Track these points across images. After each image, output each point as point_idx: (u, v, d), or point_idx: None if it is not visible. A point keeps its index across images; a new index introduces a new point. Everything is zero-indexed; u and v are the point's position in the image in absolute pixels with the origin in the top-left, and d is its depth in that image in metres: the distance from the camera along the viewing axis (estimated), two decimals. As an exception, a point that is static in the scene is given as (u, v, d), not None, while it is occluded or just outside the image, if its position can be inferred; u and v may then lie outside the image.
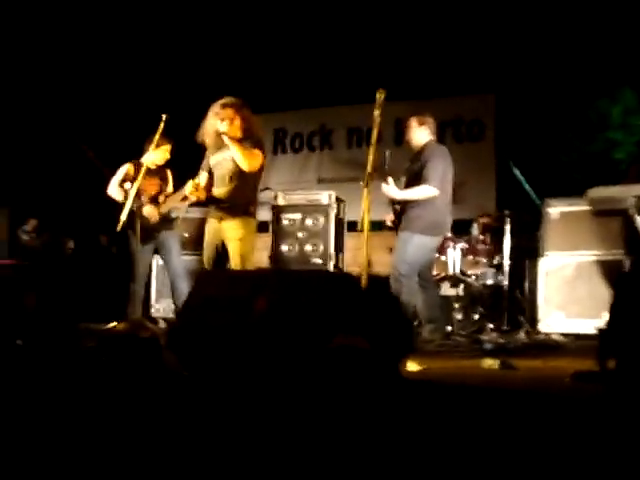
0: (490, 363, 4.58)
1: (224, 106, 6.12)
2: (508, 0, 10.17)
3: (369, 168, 5.08)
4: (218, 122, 6.06)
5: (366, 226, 4.88)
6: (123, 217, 6.38)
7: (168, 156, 7.24)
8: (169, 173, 7.37)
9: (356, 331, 2.99)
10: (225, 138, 5.96)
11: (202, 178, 6.28)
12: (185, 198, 6.98)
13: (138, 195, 6.83)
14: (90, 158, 6.84)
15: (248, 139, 6.11)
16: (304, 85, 11.63)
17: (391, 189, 6.44)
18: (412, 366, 4.34)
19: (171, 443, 2.45)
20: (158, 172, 7.26)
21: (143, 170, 6.61)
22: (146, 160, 6.80)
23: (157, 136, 6.59)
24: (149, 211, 6.98)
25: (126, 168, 7.09)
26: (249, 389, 3.09)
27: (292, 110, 12.42)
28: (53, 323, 4.61)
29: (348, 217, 8.91)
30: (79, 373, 3.68)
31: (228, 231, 6.11)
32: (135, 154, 7.03)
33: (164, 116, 6.50)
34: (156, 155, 7.09)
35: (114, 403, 3.06)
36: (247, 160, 5.99)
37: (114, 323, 3.80)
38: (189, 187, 6.14)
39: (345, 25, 10.84)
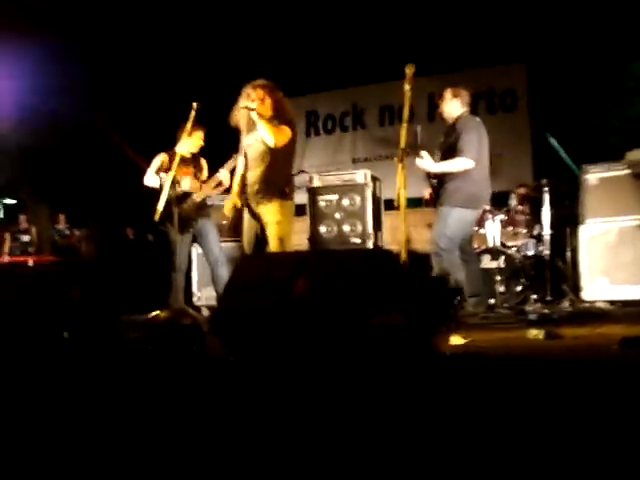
0: (535, 333, 4.54)
1: (255, 87, 6.11)
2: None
3: (402, 144, 5.04)
4: (249, 102, 6.05)
5: (403, 202, 4.84)
6: (160, 207, 6.40)
7: (202, 143, 7.25)
8: (203, 161, 7.38)
9: (393, 308, 2.97)
10: (253, 114, 5.93)
11: (239, 162, 6.29)
12: (219, 184, 7.02)
13: (173, 184, 6.84)
14: (124, 150, 6.87)
15: (277, 118, 6.09)
16: (334, 66, 11.60)
17: (426, 162, 6.40)
18: (456, 339, 4.32)
19: (220, 429, 2.45)
20: (193, 160, 7.27)
21: (177, 159, 6.61)
22: (180, 149, 6.79)
23: (189, 124, 6.57)
24: (191, 184, 7.01)
25: (160, 158, 7.09)
26: (293, 371, 3.08)
27: (323, 92, 12.39)
28: (97, 316, 4.65)
29: (385, 195, 8.88)
30: (125, 364, 3.71)
31: (265, 215, 6.10)
32: (169, 144, 7.02)
33: (195, 104, 6.47)
34: (189, 143, 7.10)
35: (161, 391, 3.08)
36: (274, 135, 5.94)
37: (156, 312, 3.81)
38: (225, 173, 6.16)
39: (371, 4, 10.75)
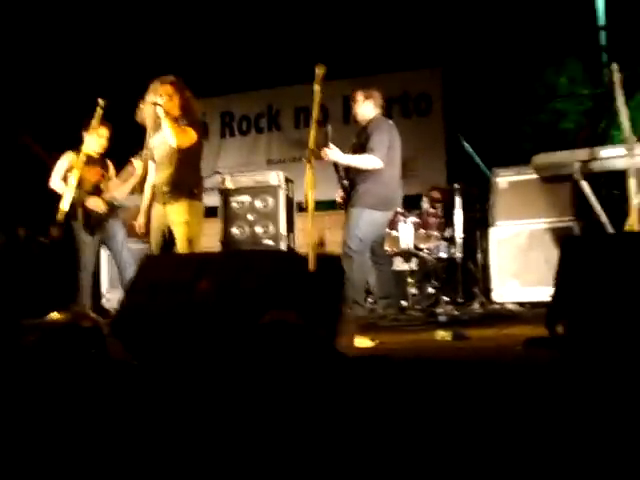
0: (443, 334, 4.54)
1: (164, 82, 5.95)
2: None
3: (311, 144, 4.98)
4: (157, 98, 5.90)
5: (311, 203, 4.78)
6: (64, 207, 6.21)
7: (105, 142, 7.08)
8: (109, 161, 7.21)
9: (292, 307, 2.91)
10: (159, 111, 5.77)
11: (149, 169, 6.15)
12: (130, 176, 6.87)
13: (80, 184, 6.69)
14: (32, 147, 6.66)
15: (184, 118, 5.96)
16: (250, 67, 11.49)
17: (334, 153, 6.35)
18: (363, 342, 4.30)
19: (121, 438, 2.36)
20: (100, 160, 7.11)
21: (81, 158, 6.40)
22: (86, 148, 6.60)
23: (96, 122, 6.37)
24: (95, 203, 6.84)
25: (68, 158, 6.88)
26: (194, 375, 3.00)
27: (238, 93, 12.27)
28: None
29: (298, 197, 8.85)
30: (19, 369, 3.57)
31: (173, 215, 5.95)
32: (73, 142, 6.83)
33: (101, 101, 6.28)
34: (96, 142, 6.95)
35: (58, 397, 2.96)
36: (176, 136, 5.77)
37: (54, 314, 3.68)
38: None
39: (288, 3, 10.71)
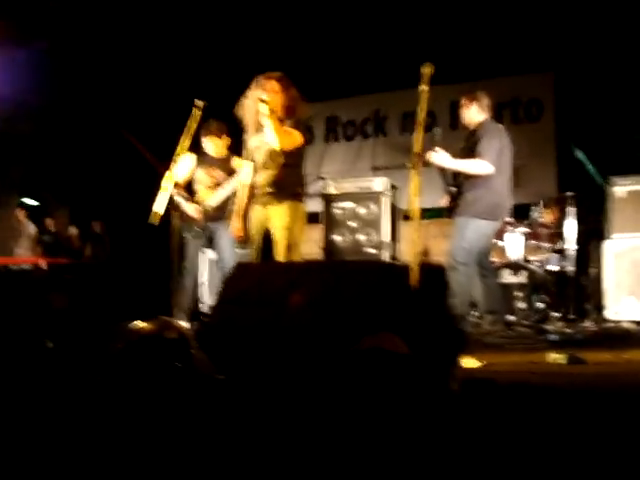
0: (556, 357, 4.20)
1: (270, 78, 5.70)
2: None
3: (416, 148, 4.72)
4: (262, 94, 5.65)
5: (415, 210, 4.51)
6: (158, 208, 5.99)
7: (223, 142, 6.86)
8: (237, 161, 6.88)
9: (397, 330, 2.61)
10: (263, 107, 5.49)
11: (245, 171, 5.94)
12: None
13: (191, 187, 6.55)
14: (134, 144, 6.52)
15: (289, 119, 5.72)
16: (356, 71, 11.31)
17: (441, 156, 6.09)
18: (470, 362, 4.00)
19: (205, 452, 2.16)
20: (221, 162, 6.88)
21: (176, 162, 6.15)
22: (182, 150, 6.33)
23: (193, 124, 6.12)
24: (191, 209, 6.68)
25: (189, 161, 6.68)
26: (283, 393, 2.77)
27: (344, 97, 12.09)
28: (84, 324, 4.36)
29: (402, 205, 8.58)
30: (105, 378, 3.41)
31: (274, 218, 5.71)
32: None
33: (199, 102, 6.05)
34: (209, 143, 6.79)
35: (140, 411, 2.78)
36: (280, 137, 5.55)
37: (139, 322, 3.49)
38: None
39: (396, 7, 10.46)
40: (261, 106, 5.50)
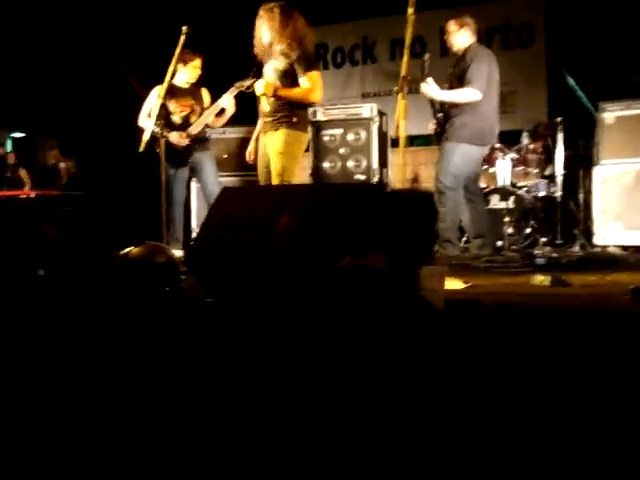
0: (541, 279, 4.24)
1: (269, 10, 5.71)
2: None
3: (403, 71, 4.71)
4: (264, 30, 5.71)
5: (402, 134, 4.52)
6: (145, 138, 6.01)
7: (199, 72, 6.89)
8: (205, 92, 7.02)
9: (378, 246, 2.65)
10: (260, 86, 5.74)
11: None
12: (222, 112, 6.73)
13: (167, 117, 6.55)
14: (128, 80, 6.49)
15: (302, 61, 5.74)
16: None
17: (431, 88, 6.08)
18: (455, 284, 4.05)
19: (194, 380, 2.20)
20: (191, 92, 6.93)
21: (163, 89, 6.13)
22: (170, 78, 6.31)
23: (178, 51, 6.08)
24: (175, 138, 6.68)
25: (156, 93, 6.61)
26: (271, 315, 2.81)
27: (332, 24, 11.93)
28: (75, 253, 4.39)
29: (392, 132, 8.55)
30: (94, 303, 3.46)
31: (270, 144, 5.84)
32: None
33: (185, 28, 5.99)
34: (186, 73, 6.77)
35: (130, 335, 2.83)
36: (308, 96, 5.76)
37: (130, 248, 3.52)
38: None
39: None
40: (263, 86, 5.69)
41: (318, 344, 2.32)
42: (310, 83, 5.70)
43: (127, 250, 3.52)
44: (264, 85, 5.72)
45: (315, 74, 5.78)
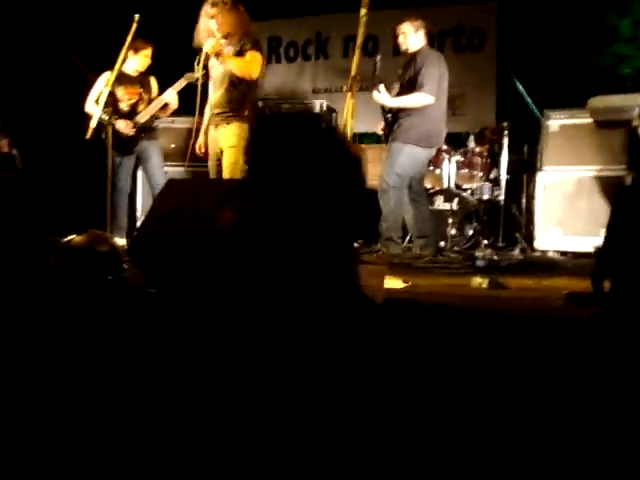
0: (479, 282, 4.33)
1: (214, 4, 5.73)
2: None
3: (353, 71, 4.76)
4: (210, 22, 5.72)
5: (349, 132, 4.58)
6: (92, 124, 6.00)
7: (149, 62, 6.88)
8: (153, 80, 7.03)
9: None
10: (220, 43, 5.67)
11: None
12: (165, 106, 6.73)
13: (115, 104, 6.53)
14: (76, 64, 6.44)
15: (247, 39, 5.76)
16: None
17: (383, 97, 6.16)
18: (395, 283, 4.11)
19: (134, 365, 2.22)
20: (139, 80, 6.93)
21: (113, 76, 6.12)
22: (120, 66, 6.29)
23: (129, 39, 6.07)
24: (122, 126, 6.66)
25: (104, 78, 6.58)
26: (213, 307, 2.83)
27: (287, 17, 11.93)
28: (14, 237, 4.36)
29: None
30: (36, 292, 3.44)
31: (222, 138, 5.85)
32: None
33: (137, 17, 5.97)
34: (136, 61, 6.76)
35: (71, 325, 2.82)
36: (246, 69, 5.71)
37: (72, 236, 3.52)
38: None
39: None
40: (211, 44, 5.59)
41: (257, 335, 2.35)
42: (251, 58, 5.72)
43: (69, 238, 3.50)
44: (212, 44, 5.68)
45: (258, 54, 5.81)
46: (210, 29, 5.70)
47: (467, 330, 2.75)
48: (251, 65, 5.72)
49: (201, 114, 6.20)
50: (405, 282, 4.22)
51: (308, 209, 2.57)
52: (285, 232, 2.56)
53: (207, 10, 5.75)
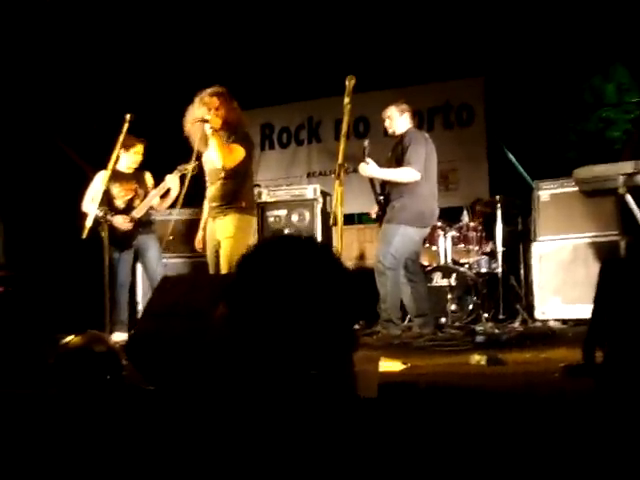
0: (477, 359, 4.34)
1: (211, 95, 5.84)
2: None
3: (339, 159, 4.84)
4: (204, 111, 5.79)
5: (339, 219, 4.64)
6: (88, 224, 6.08)
7: (140, 158, 7.02)
8: (148, 175, 7.16)
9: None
10: (207, 128, 5.67)
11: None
12: (167, 193, 6.81)
13: (111, 201, 6.63)
14: (67, 153, 6.56)
15: (233, 133, 5.86)
16: (289, 79, 11.36)
17: (370, 167, 6.26)
18: (394, 365, 4.13)
19: (134, 461, 2.23)
20: (134, 176, 7.05)
21: (107, 175, 6.23)
22: (113, 164, 6.39)
23: (122, 138, 6.21)
24: (119, 221, 6.77)
25: (100, 178, 6.68)
26: (212, 404, 2.86)
27: (278, 105, 12.14)
28: (14, 339, 4.39)
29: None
30: (36, 394, 3.46)
31: (219, 230, 5.91)
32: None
33: (128, 116, 6.12)
34: (128, 158, 6.90)
35: (70, 424, 2.84)
36: (223, 156, 5.72)
37: (71, 337, 3.56)
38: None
39: (327, 15, 10.55)
40: (205, 126, 5.66)
41: (252, 433, 2.37)
42: (231, 148, 5.81)
43: (68, 339, 3.55)
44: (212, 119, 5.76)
45: (240, 148, 5.87)
46: (200, 119, 5.73)
47: (460, 411, 2.77)
48: (228, 153, 5.77)
49: (200, 205, 6.31)
50: (404, 364, 4.23)
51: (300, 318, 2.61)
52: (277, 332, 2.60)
53: (204, 99, 5.82)
